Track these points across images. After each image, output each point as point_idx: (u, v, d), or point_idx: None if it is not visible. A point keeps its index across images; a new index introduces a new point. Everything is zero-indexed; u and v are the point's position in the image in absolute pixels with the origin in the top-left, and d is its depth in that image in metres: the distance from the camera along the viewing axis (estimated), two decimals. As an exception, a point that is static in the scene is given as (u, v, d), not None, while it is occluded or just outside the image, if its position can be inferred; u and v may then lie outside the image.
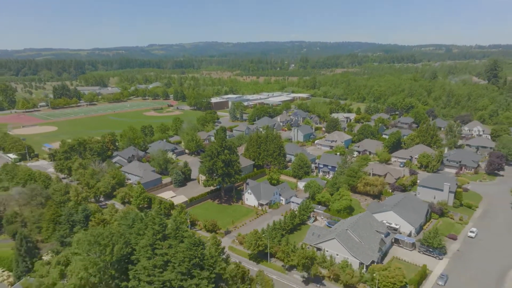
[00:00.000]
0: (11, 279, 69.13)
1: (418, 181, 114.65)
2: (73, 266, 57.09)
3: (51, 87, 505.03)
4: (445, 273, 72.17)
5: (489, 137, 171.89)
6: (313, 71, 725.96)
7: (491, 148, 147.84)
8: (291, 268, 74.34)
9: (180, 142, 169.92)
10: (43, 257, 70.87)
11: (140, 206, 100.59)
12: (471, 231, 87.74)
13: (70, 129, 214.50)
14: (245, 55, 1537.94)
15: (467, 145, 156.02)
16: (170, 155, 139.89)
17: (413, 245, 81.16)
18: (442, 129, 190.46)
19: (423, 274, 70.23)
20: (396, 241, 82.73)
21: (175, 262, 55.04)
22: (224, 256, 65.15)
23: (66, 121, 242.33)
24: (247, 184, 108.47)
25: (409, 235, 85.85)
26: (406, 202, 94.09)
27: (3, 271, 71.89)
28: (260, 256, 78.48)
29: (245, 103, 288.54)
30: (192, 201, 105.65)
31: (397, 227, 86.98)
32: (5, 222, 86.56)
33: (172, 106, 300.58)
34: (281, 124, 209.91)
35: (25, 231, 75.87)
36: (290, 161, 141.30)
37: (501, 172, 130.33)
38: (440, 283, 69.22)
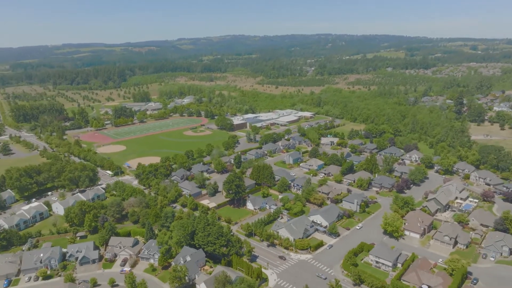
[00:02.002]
0: (143, 240, 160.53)
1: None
2: (174, 234, 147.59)
3: (103, 98, 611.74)
4: (332, 244, 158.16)
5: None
6: (328, 78, 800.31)
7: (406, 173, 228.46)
8: (263, 240, 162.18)
9: (211, 163, 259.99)
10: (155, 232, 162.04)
11: (192, 208, 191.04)
12: (358, 226, 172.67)
13: (136, 148, 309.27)
14: (270, 52, 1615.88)
15: (396, 171, 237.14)
16: (205, 175, 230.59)
17: (324, 232, 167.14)
18: (395, 155, 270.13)
19: (321, 244, 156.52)
20: (317, 229, 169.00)
21: (212, 234, 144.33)
22: (232, 233, 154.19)
23: (130, 140, 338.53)
24: (249, 196, 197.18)
25: (325, 227, 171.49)
26: (329, 209, 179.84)
27: (140, 239, 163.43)
28: (251, 235, 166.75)
29: (259, 124, 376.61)
30: (219, 206, 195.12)
31: (320, 222, 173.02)
32: (130, 215, 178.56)
33: (203, 125, 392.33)
34: (281, 147, 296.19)
35: (144, 219, 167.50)
36: (279, 179, 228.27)
37: (406, 191, 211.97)
38: (327, 248, 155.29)
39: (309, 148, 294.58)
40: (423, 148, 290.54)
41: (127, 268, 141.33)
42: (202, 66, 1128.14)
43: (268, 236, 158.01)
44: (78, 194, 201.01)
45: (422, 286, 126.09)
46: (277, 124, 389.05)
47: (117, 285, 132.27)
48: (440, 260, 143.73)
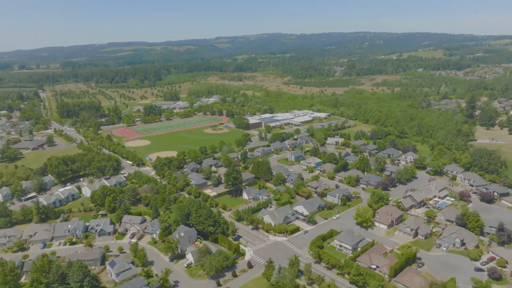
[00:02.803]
0: (150, 219, 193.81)
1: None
2: (172, 215, 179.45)
3: (138, 96, 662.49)
4: (307, 230, 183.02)
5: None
6: (354, 79, 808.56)
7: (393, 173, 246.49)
8: (248, 224, 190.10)
9: (221, 158, 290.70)
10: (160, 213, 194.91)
11: (195, 196, 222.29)
12: (335, 217, 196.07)
13: (159, 143, 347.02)
14: (304, 51, 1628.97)
15: (387, 170, 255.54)
16: (213, 168, 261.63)
17: (304, 220, 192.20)
18: (392, 156, 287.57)
19: (297, 229, 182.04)
20: (298, 218, 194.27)
21: (202, 216, 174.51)
22: (220, 216, 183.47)
23: (155, 136, 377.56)
24: (245, 188, 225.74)
25: (306, 216, 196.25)
26: (312, 201, 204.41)
27: (148, 218, 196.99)
28: (239, 219, 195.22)
29: (274, 124, 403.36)
30: (219, 195, 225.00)
31: (301, 212, 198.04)
32: (142, 199, 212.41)
33: (222, 124, 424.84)
34: (287, 146, 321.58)
35: (153, 203, 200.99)
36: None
37: (391, 189, 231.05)
38: (303, 233, 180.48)
39: (316, 147, 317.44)
40: (425, 150, 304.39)
41: (134, 240, 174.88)
42: (234, 65, 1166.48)
43: (252, 220, 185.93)
44: (103, 180, 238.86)
45: (372, 266, 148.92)
46: (291, 124, 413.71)
47: (124, 252, 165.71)
48: (397, 247, 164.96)
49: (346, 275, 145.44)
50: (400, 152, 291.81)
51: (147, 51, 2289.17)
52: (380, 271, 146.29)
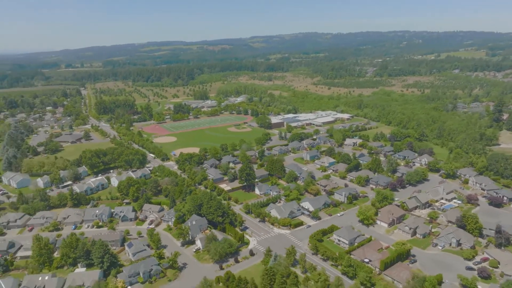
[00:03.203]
0: (167, 208, 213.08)
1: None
2: (186, 205, 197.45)
3: (170, 95, 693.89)
4: (310, 224, 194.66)
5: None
6: (385, 80, 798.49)
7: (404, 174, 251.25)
8: (256, 217, 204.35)
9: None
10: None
11: (211, 189, 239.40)
12: (339, 214, 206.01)
13: (184, 140, 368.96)
14: (338, 50, 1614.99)
15: (398, 171, 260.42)
16: (231, 165, 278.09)
17: (309, 215, 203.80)
18: (407, 158, 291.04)
19: (301, 223, 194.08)
20: (303, 213, 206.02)
21: (212, 207, 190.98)
22: (230, 208, 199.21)
23: (182, 133, 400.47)
24: (257, 184, 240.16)
25: (311, 211, 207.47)
26: (318, 198, 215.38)
27: (165, 207, 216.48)
28: (248, 212, 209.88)
29: (295, 124, 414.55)
30: (233, 189, 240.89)
31: (307, 208, 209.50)
32: (163, 190, 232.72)
33: (246, 123, 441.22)
34: (305, 145, 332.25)
35: (170, 194, 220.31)
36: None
37: (400, 189, 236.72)
38: (305, 227, 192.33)
39: (334, 148, 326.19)
40: (443, 153, 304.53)
41: (151, 226, 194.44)
42: (266, 65, 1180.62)
43: (259, 213, 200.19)
44: (130, 172, 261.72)
45: (365, 259, 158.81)
46: (313, 124, 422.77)
47: (142, 236, 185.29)
48: (392, 244, 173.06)
49: (339, 267, 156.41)
50: (416, 154, 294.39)
51: (184, 50, 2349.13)
52: (371, 265, 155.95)
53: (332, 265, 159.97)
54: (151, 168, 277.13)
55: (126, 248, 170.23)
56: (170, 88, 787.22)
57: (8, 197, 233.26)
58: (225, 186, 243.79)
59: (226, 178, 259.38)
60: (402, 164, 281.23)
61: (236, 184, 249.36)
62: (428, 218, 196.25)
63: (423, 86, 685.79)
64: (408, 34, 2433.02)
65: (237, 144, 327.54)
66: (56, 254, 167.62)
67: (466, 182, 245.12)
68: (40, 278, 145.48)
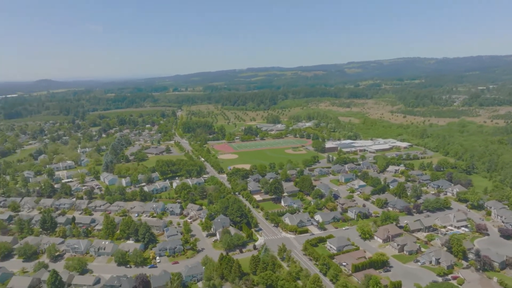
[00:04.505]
0: (205, 208, 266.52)
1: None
2: (216, 207, 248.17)
3: (249, 118, 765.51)
4: (314, 233, 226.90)
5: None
6: (473, 110, 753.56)
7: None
8: (272, 222, 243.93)
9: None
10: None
11: (246, 198, 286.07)
12: (344, 228, 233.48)
13: (244, 158, 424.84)
14: (437, 77, 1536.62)
15: (421, 198, 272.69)
16: (271, 180, 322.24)
17: (317, 226, 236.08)
18: (441, 187, 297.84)
19: (306, 231, 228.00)
20: (312, 223, 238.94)
21: (234, 209, 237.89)
22: (249, 211, 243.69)
23: (244, 152, 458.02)
24: (284, 197, 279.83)
25: (319, 222, 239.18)
26: (330, 213, 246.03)
27: (204, 207, 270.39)
28: (267, 218, 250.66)
29: (348, 149, 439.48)
30: (264, 200, 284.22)
31: (318, 219, 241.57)
32: (208, 195, 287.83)
33: (304, 146, 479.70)
34: (346, 169, 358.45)
35: (209, 197, 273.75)
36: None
37: (416, 214, 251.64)
38: (309, 235, 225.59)
39: (375, 173, 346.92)
40: (488, 185, 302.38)
41: (189, 220, 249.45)
42: (350, 92, 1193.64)
43: (273, 219, 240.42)
44: (188, 180, 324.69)
45: (343, 263, 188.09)
46: (366, 150, 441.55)
47: (180, 226, 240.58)
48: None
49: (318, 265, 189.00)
50: (451, 184, 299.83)
51: (278, 76, 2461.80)
52: (346, 267, 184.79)
53: (314, 264, 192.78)
54: (205, 178, 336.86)
55: (164, 231, 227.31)
56: (251, 112, 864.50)
57: (100, 190, 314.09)
58: (257, 197, 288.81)
59: (262, 190, 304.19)
60: (432, 192, 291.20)
61: (268, 196, 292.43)
62: (425, 240, 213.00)
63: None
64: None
65: (284, 164, 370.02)
66: (117, 231, 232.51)
67: (489, 214, 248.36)
68: (103, 243, 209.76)
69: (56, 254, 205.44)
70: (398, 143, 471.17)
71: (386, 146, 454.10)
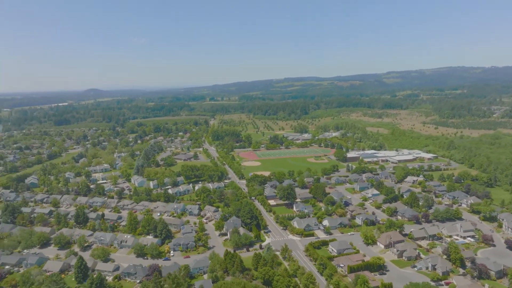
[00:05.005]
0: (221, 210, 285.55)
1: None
2: (230, 208, 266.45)
3: (278, 127, 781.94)
4: (320, 237, 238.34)
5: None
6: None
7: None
8: (281, 225, 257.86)
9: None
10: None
11: (261, 202, 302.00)
12: (350, 233, 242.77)
13: (266, 165, 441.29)
14: (480, 87, 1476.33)
15: (433, 208, 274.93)
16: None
17: (323, 230, 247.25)
18: (457, 198, 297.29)
19: (312, 234, 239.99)
20: (319, 228, 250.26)
21: (245, 211, 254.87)
22: (260, 214, 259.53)
23: (267, 160, 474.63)
24: (296, 202, 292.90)
25: (326, 227, 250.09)
26: (337, 219, 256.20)
27: (220, 209, 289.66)
28: (277, 222, 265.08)
29: (369, 159, 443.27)
30: (277, 205, 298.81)
31: (325, 224, 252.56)
32: (225, 199, 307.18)
33: (326, 155, 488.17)
34: (363, 178, 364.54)
35: (225, 200, 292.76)
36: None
37: (424, 223, 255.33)
38: (314, 238, 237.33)
39: (392, 183, 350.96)
40: (508, 198, 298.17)
41: (205, 220, 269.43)
42: (384, 102, 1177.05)
43: (281, 222, 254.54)
44: (209, 184, 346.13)
45: (340, 264, 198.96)
46: (388, 161, 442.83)
47: (196, 225, 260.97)
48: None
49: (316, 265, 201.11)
50: (467, 196, 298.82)
51: (314, 86, 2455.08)
52: (343, 269, 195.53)
53: (314, 264, 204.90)
54: (226, 183, 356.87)
55: (181, 229, 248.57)
56: (281, 121, 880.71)
57: (130, 191, 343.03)
58: (272, 202, 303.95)
59: (277, 196, 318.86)
60: (447, 203, 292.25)
61: (281, 201, 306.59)
62: (427, 247, 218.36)
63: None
64: None
65: (303, 172, 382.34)
66: (139, 226, 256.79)
67: (500, 225, 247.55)
68: (125, 236, 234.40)
69: (85, 244, 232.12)
70: (423, 154, 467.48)
71: (410, 157, 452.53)
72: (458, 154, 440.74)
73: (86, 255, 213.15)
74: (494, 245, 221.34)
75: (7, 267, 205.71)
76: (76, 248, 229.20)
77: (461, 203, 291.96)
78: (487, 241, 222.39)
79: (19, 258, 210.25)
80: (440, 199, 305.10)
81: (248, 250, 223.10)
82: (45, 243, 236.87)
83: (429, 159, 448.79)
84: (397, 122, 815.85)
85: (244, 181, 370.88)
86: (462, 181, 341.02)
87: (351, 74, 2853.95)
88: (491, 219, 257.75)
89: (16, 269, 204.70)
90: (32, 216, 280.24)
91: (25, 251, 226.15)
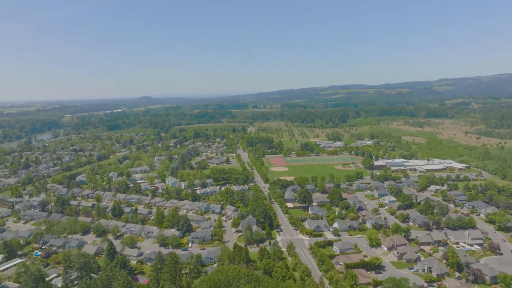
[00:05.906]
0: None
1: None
2: (247, 208, 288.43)
3: (313, 135, 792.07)
4: (328, 237, 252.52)
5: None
6: None
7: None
8: (293, 225, 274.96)
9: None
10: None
11: (279, 205, 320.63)
12: (357, 236, 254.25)
13: (293, 171, 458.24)
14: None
15: (447, 216, 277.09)
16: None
17: (332, 232, 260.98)
18: (476, 208, 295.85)
19: (320, 235, 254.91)
20: (329, 229, 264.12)
21: (259, 211, 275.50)
22: (274, 214, 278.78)
23: (295, 166, 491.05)
24: (311, 205, 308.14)
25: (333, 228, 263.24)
26: (347, 222, 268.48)
27: (239, 209, 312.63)
28: (291, 223, 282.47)
29: (397, 168, 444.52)
30: (294, 207, 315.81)
31: (335, 226, 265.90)
32: (246, 200, 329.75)
33: (354, 163, 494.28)
34: (385, 186, 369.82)
35: (245, 201, 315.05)
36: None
37: (435, 230, 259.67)
38: (322, 238, 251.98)
39: (413, 191, 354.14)
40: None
41: (225, 218, 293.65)
42: (428, 110, 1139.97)
43: (293, 223, 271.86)
44: (234, 186, 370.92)
45: (340, 262, 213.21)
46: (416, 170, 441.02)
47: (216, 222, 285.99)
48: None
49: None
50: (488, 206, 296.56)
51: (359, 94, 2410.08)
52: (341, 266, 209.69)
53: (315, 261, 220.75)
54: (250, 185, 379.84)
55: (201, 224, 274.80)
56: (317, 129, 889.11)
57: (163, 190, 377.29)
58: (290, 204, 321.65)
59: (296, 199, 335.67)
60: (464, 212, 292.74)
61: (298, 204, 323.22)
62: (430, 252, 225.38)
63: None
64: None
65: (326, 177, 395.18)
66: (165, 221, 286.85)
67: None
68: (152, 228, 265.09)
69: (118, 234, 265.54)
70: (454, 164, 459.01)
71: (439, 167, 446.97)
72: (492, 165, 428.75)
73: (117, 243, 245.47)
74: (501, 254, 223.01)
75: (54, 248, 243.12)
76: (110, 236, 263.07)
77: (479, 212, 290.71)
78: (494, 249, 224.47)
79: (63, 241, 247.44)
80: (459, 208, 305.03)
81: (258, 246, 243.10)
82: (86, 231, 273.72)
83: (460, 169, 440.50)
84: (438, 131, 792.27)
85: (268, 185, 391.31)
86: (488, 191, 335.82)
87: (400, 81, 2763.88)
88: (506, 229, 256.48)
89: (61, 250, 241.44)
90: (78, 208, 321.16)
91: (69, 236, 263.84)
